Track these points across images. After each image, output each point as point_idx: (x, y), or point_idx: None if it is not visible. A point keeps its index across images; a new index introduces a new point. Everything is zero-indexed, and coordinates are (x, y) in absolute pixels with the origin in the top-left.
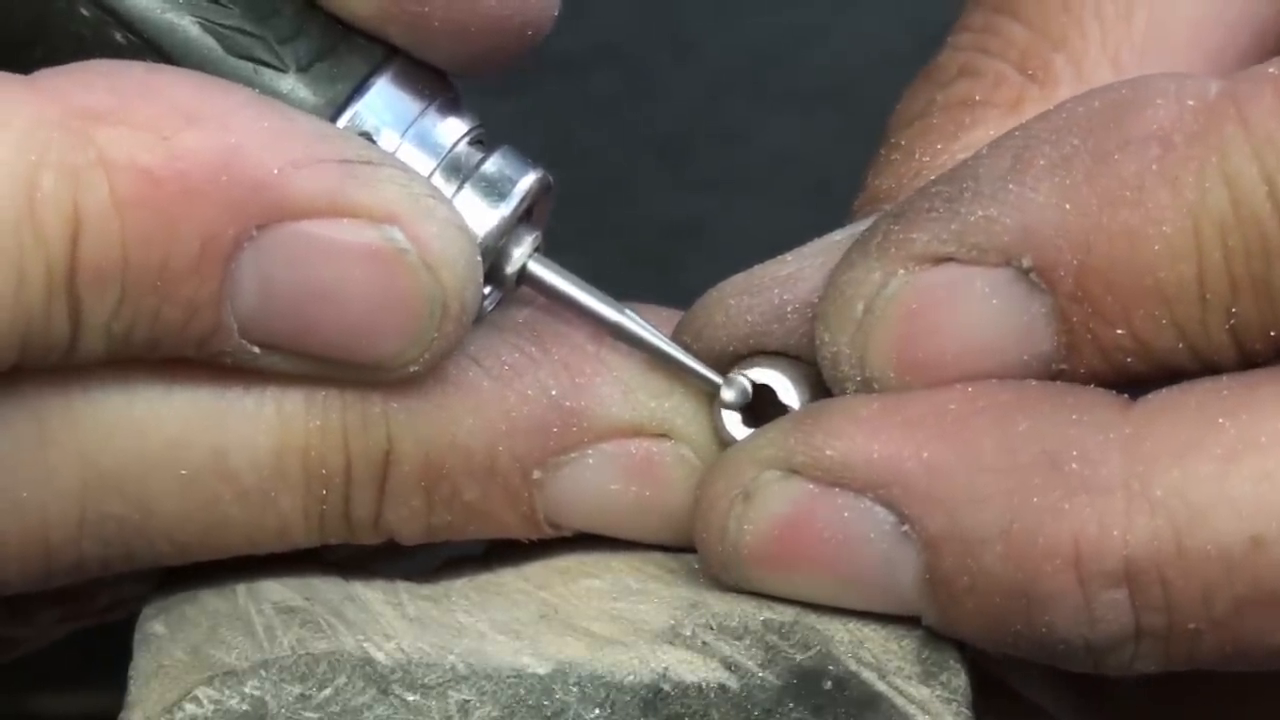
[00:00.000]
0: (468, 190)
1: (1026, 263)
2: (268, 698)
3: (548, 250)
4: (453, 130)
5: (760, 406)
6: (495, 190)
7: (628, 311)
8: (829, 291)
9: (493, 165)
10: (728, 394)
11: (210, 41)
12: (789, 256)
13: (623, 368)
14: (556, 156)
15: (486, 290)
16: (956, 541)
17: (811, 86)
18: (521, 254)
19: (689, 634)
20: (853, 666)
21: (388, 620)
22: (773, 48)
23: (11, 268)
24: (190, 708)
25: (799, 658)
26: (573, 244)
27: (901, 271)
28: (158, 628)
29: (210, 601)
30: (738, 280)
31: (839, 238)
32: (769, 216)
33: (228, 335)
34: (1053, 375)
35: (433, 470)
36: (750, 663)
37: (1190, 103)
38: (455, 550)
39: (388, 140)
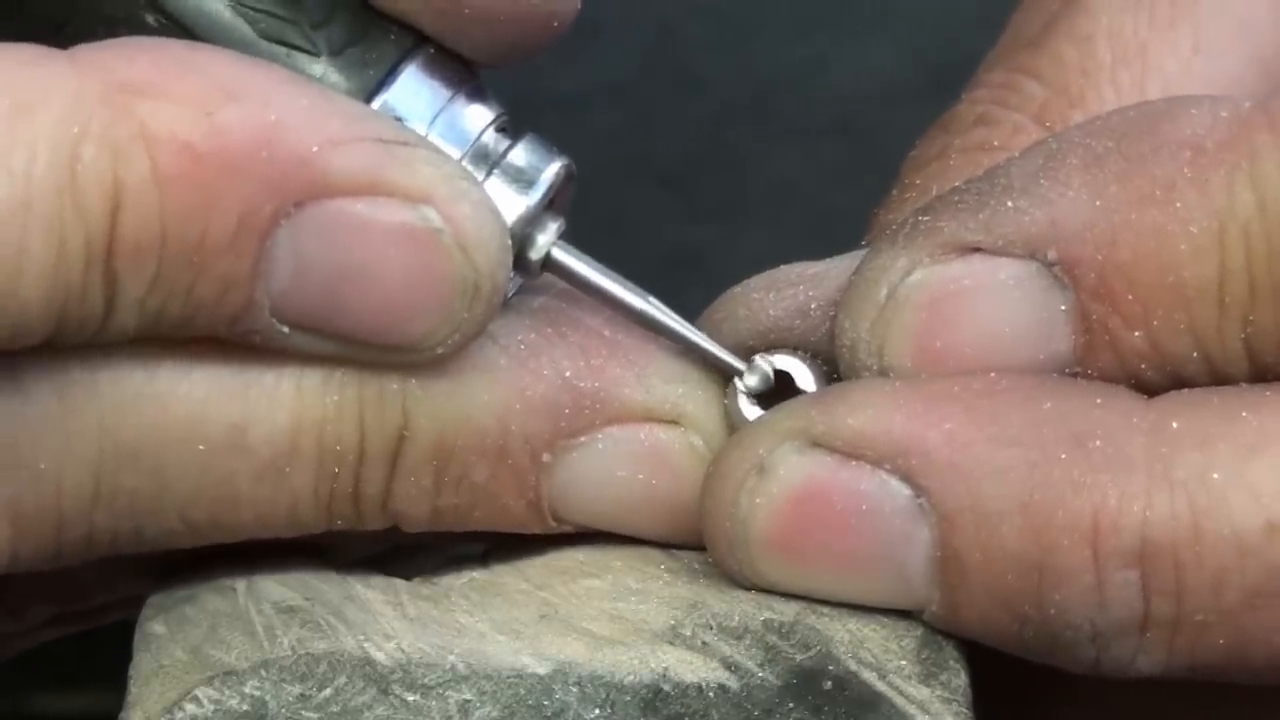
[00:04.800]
0: (495, 178)
1: (1052, 255)
2: (268, 698)
3: None
4: (479, 118)
5: (776, 395)
6: (523, 178)
7: (651, 299)
8: (853, 279)
9: (519, 153)
10: (750, 378)
11: (242, 25)
12: (817, 261)
13: (638, 352)
14: None
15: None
16: (973, 513)
17: (815, 119)
18: (546, 240)
19: (689, 634)
20: (853, 666)
21: (388, 620)
22: (777, 80)
23: (52, 240)
24: (190, 708)
25: (799, 658)
26: None
27: (927, 259)
28: (158, 628)
29: (210, 601)
30: (762, 277)
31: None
32: (771, 247)
33: (259, 313)
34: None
35: (445, 448)
36: (750, 663)
37: (1224, 114)
38: (455, 550)
39: (416, 128)
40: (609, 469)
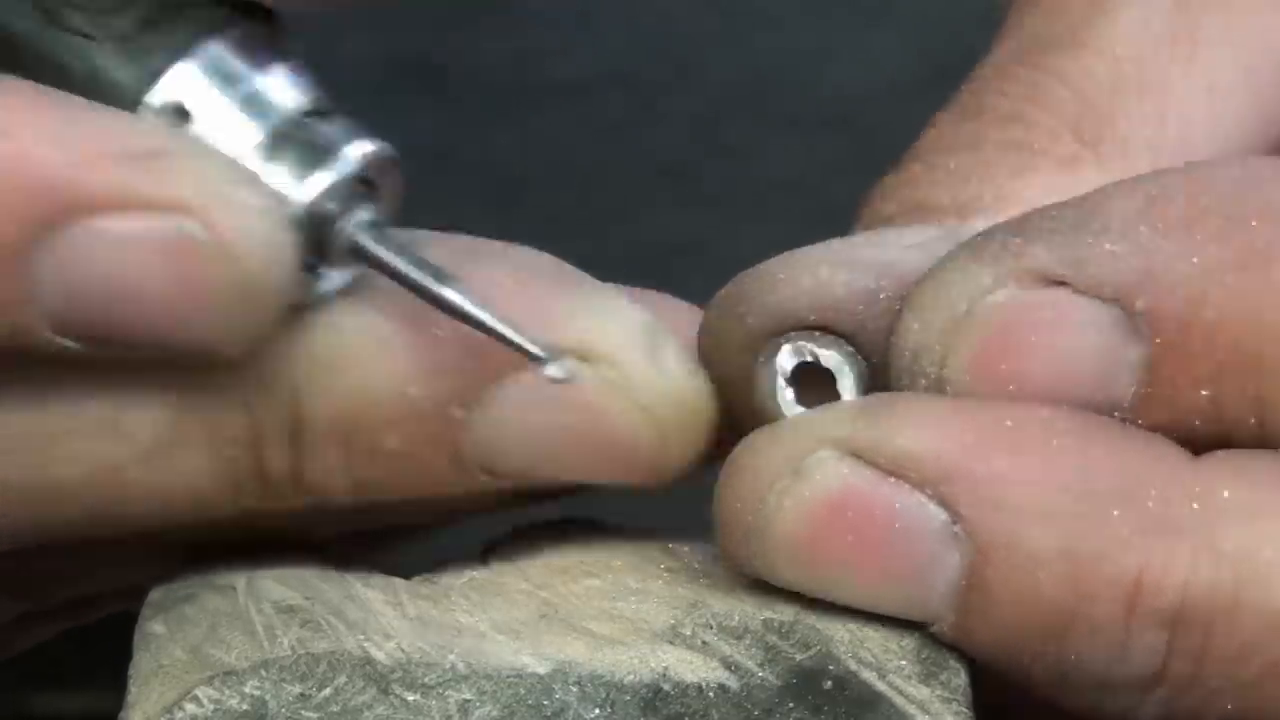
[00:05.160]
0: (292, 159)
1: (1140, 305)
2: (268, 697)
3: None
4: (287, 99)
5: (808, 379)
6: (319, 160)
7: (457, 286)
8: (930, 284)
9: (321, 135)
10: (787, 360)
11: (26, 9)
12: (886, 239)
13: (539, 297)
14: (560, 179)
15: (321, 268)
16: (1011, 551)
17: (816, 111)
18: (354, 228)
19: (689, 634)
20: (853, 666)
21: (388, 620)
22: (778, 71)
23: None
24: (190, 708)
25: (799, 657)
26: (577, 265)
27: (1012, 283)
28: (157, 627)
29: (210, 601)
30: (827, 250)
31: (925, 237)
32: (771, 238)
33: (39, 334)
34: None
35: (346, 420)
36: (750, 662)
37: None
38: (455, 550)
39: (211, 109)
40: (526, 416)
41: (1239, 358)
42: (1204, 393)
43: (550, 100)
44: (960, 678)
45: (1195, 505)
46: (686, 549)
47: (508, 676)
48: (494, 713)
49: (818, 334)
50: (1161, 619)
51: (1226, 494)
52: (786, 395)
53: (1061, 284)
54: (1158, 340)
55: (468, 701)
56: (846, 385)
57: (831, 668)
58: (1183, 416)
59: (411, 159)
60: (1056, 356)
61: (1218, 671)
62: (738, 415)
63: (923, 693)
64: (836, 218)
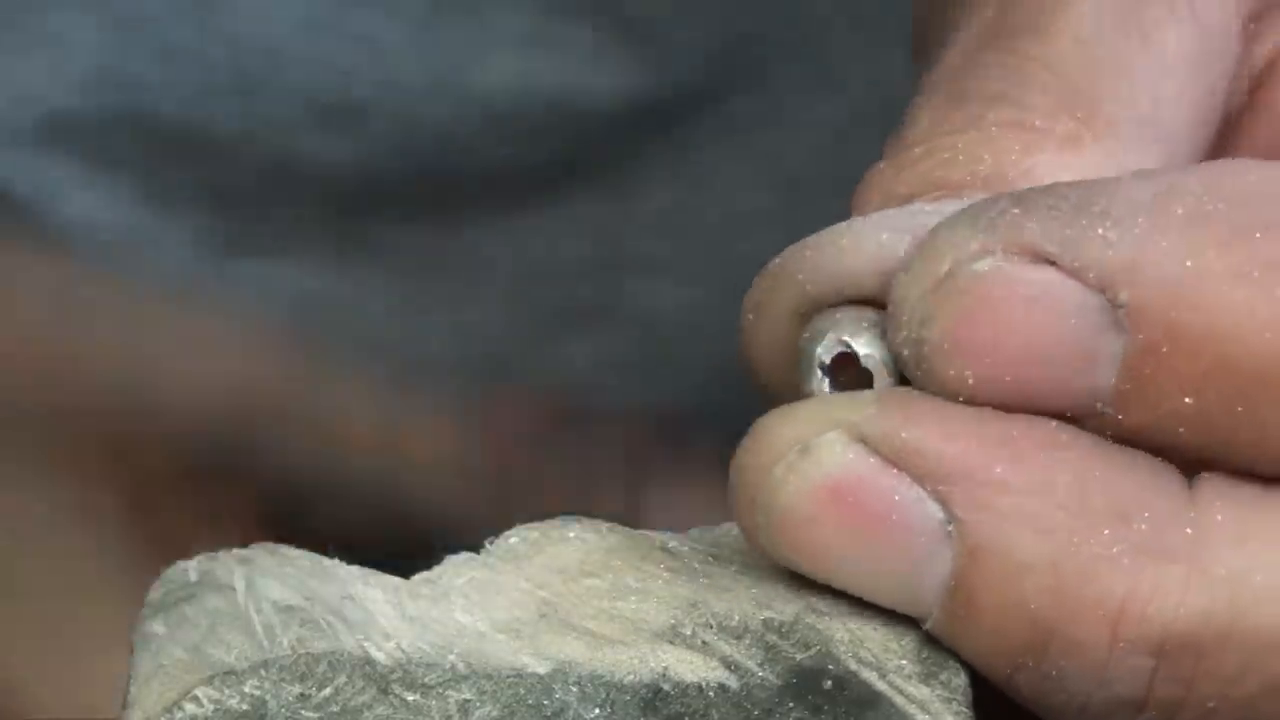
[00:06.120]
0: None
1: (1124, 297)
2: (267, 697)
3: None
4: None
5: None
6: None
7: None
8: (926, 243)
9: None
10: (827, 349)
11: None
12: (943, 208)
13: None
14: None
15: None
16: (1000, 559)
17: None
18: None
19: (689, 634)
20: (853, 666)
21: (388, 620)
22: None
23: None
24: (190, 708)
25: (799, 657)
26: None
27: (1000, 252)
28: (157, 627)
29: (210, 601)
30: (884, 219)
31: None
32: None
33: None
34: (1095, 415)
35: None
36: (750, 662)
37: None
38: (455, 550)
39: None
40: None
41: (1227, 371)
42: (1187, 400)
43: None
44: (960, 677)
45: (1189, 530)
46: (686, 549)
47: (508, 676)
48: (494, 713)
49: (866, 321)
50: (1148, 646)
51: (1220, 518)
52: (822, 381)
53: (1050, 263)
54: (1139, 336)
55: (468, 701)
56: (882, 383)
57: (831, 667)
58: (1166, 421)
59: None
60: (1037, 334)
61: (1212, 693)
62: (777, 389)
63: (923, 692)
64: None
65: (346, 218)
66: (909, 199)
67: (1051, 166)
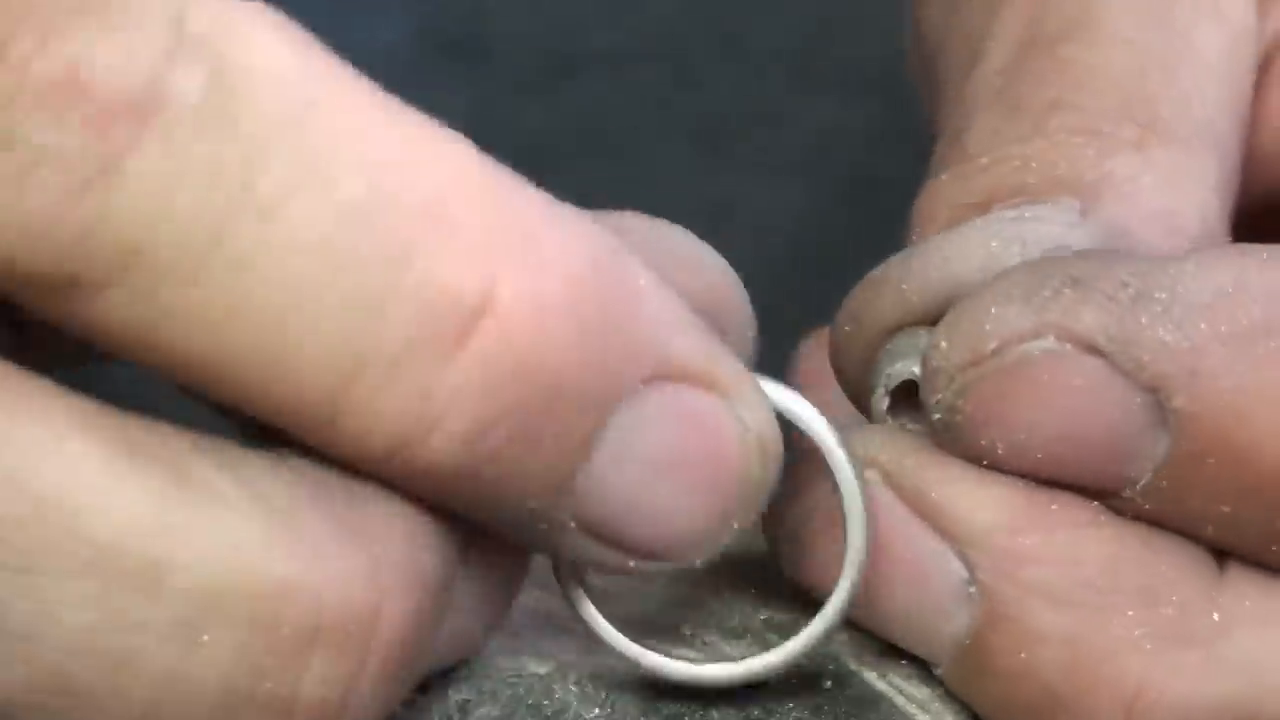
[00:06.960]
0: None
1: (1177, 403)
2: None
3: None
4: None
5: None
6: None
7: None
8: (970, 308)
9: None
10: (891, 375)
11: None
12: (1040, 213)
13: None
14: (591, 146)
15: None
16: (1019, 626)
17: (857, 76)
18: None
19: (689, 634)
20: (853, 666)
21: None
22: (818, 35)
23: None
24: None
25: None
26: None
27: (1052, 339)
28: None
29: None
30: (987, 226)
31: (1072, 215)
32: (808, 203)
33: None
34: (1121, 498)
35: None
36: None
37: None
38: None
39: None
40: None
41: (1272, 488)
42: (1224, 509)
43: (590, 66)
44: None
45: (1216, 616)
46: None
47: (508, 676)
48: (494, 713)
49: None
50: None
51: (1249, 604)
52: (882, 399)
53: (1102, 355)
54: (1184, 444)
55: (467, 701)
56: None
57: (832, 667)
58: (1195, 519)
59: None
60: (1076, 423)
61: None
62: (860, 400)
63: (923, 692)
64: (875, 181)
65: None
66: (980, 209)
67: (1129, 167)
